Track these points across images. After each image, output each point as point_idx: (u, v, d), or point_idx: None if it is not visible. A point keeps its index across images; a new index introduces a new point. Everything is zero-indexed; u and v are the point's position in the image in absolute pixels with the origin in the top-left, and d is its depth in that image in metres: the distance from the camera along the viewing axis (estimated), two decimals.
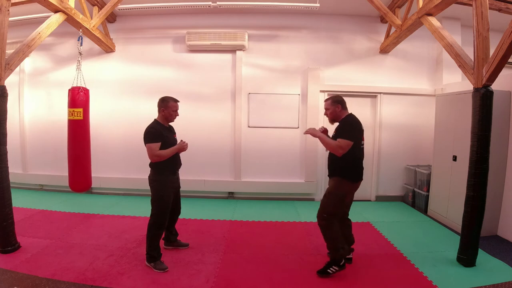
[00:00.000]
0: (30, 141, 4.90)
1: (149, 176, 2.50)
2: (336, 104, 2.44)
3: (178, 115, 2.61)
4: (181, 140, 2.54)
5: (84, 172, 3.46)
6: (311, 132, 2.49)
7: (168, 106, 2.50)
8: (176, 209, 2.73)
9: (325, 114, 2.54)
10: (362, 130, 2.40)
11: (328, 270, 2.36)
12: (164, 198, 2.46)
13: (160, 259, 2.48)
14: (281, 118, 4.62)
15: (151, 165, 2.49)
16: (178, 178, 2.71)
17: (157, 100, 2.54)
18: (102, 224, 3.47)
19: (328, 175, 2.47)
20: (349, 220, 2.67)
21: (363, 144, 2.40)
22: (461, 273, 2.50)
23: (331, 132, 2.55)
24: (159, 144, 2.39)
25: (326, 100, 2.54)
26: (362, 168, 2.43)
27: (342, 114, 2.45)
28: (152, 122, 2.51)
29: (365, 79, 4.61)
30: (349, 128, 2.33)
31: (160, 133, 2.43)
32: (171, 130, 2.67)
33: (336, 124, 2.50)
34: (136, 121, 4.69)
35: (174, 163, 2.55)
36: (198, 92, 4.63)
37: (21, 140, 4.85)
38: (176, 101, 2.57)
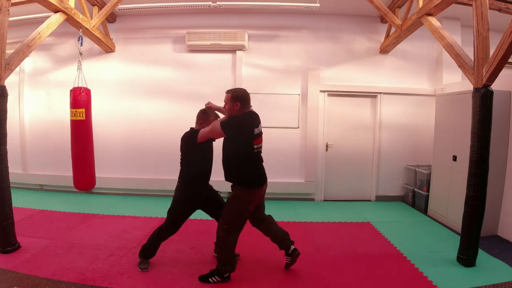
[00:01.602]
0: (30, 141, 4.89)
1: (177, 187, 2.42)
2: (234, 101, 2.12)
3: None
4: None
5: (88, 171, 3.49)
6: (207, 105, 2.40)
7: (208, 121, 2.33)
8: (217, 210, 2.47)
9: (224, 107, 2.25)
10: (250, 132, 2.11)
11: (210, 279, 2.26)
12: (181, 210, 2.38)
13: (149, 259, 2.48)
14: (281, 118, 4.62)
15: (182, 174, 2.39)
16: (212, 190, 2.58)
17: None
18: (102, 224, 3.47)
19: (231, 186, 2.25)
20: (268, 216, 2.53)
21: (257, 148, 2.17)
22: (461, 273, 2.50)
23: None
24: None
25: (227, 92, 2.20)
26: (260, 172, 2.24)
27: (239, 114, 2.15)
28: (190, 130, 2.37)
29: (365, 79, 4.61)
30: (231, 122, 2.09)
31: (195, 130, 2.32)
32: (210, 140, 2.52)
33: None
34: (136, 121, 4.70)
35: (207, 170, 2.44)
36: (198, 92, 4.62)
37: (21, 140, 4.85)
38: (217, 116, 2.41)
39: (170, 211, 2.43)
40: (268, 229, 2.49)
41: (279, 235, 2.46)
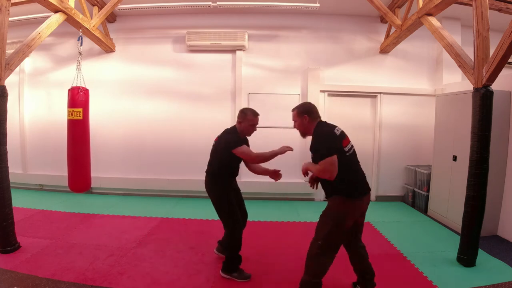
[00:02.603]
0: (30, 141, 4.90)
1: (207, 185, 2.44)
2: (302, 116, 2.04)
3: (255, 130, 2.48)
4: (286, 146, 2.36)
5: (84, 172, 3.46)
6: (304, 170, 2.04)
7: (246, 119, 2.37)
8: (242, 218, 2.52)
9: (294, 126, 2.16)
10: (338, 136, 1.92)
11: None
12: (230, 201, 2.37)
13: (239, 265, 2.37)
14: (281, 118, 4.61)
15: (211, 172, 2.42)
16: (237, 188, 2.65)
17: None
18: (102, 224, 3.47)
19: (326, 197, 2.03)
20: (362, 248, 2.18)
21: (349, 150, 1.94)
22: (461, 273, 2.50)
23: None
24: (247, 147, 2.32)
25: (292, 110, 2.14)
26: (362, 176, 2.00)
27: (312, 126, 2.03)
28: (232, 129, 2.44)
29: (365, 79, 4.61)
30: (322, 143, 1.89)
31: (241, 138, 2.37)
32: (246, 142, 2.52)
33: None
34: (136, 121, 4.70)
35: (235, 172, 2.50)
36: (198, 92, 4.63)
37: (21, 140, 4.85)
38: (255, 114, 2.42)
39: (222, 217, 2.39)
40: (359, 259, 2.19)
41: (368, 270, 2.20)
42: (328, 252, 1.90)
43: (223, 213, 2.36)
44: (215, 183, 2.39)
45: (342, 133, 1.97)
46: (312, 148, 1.98)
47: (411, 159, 4.65)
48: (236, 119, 2.45)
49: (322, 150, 1.86)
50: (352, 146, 1.99)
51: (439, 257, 2.77)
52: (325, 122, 2.07)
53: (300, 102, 4.49)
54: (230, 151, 2.27)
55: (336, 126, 2.00)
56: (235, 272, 2.34)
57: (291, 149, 2.33)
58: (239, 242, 2.35)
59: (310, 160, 2.04)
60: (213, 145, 2.46)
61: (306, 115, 2.04)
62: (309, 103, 2.18)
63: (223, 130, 2.47)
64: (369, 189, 2.01)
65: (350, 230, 1.95)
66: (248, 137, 2.56)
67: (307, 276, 1.95)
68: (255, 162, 2.34)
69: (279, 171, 2.51)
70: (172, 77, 4.66)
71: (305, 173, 2.05)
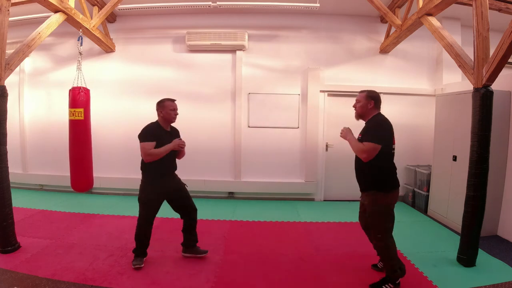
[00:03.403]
0: (30, 141, 4.90)
1: (141, 180, 2.51)
2: (369, 100, 2.18)
3: (177, 114, 2.53)
4: (178, 138, 2.49)
5: (86, 172, 3.47)
6: (343, 134, 2.36)
7: (164, 106, 2.45)
8: (187, 212, 2.62)
9: (354, 106, 2.29)
10: (393, 133, 2.16)
11: (383, 287, 2.17)
12: (149, 202, 2.44)
13: (141, 256, 2.50)
14: (281, 118, 4.62)
15: (141, 168, 2.48)
16: (172, 180, 2.60)
17: (157, 100, 2.51)
18: (102, 224, 3.47)
19: (360, 190, 2.29)
20: None
21: (394, 149, 2.17)
22: (461, 273, 2.50)
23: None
24: (153, 143, 2.33)
25: (361, 92, 2.26)
26: (395, 174, 2.19)
27: (372, 113, 2.20)
28: (152, 122, 2.49)
29: (365, 79, 4.61)
30: (378, 130, 2.10)
31: (155, 133, 2.39)
32: (174, 135, 2.57)
33: (361, 122, 2.31)
34: (136, 121, 4.66)
35: (163, 166, 2.45)
36: (198, 92, 4.63)
37: (21, 140, 4.85)
38: (172, 100, 2.50)
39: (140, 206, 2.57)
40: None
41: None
42: (389, 239, 2.15)
43: (140, 211, 2.51)
44: (143, 184, 2.49)
45: (393, 134, 2.16)
46: (365, 130, 2.19)
47: (411, 159, 4.65)
48: (156, 114, 2.50)
49: (375, 136, 2.05)
50: (395, 147, 2.19)
51: (439, 257, 2.77)
52: (385, 117, 2.21)
53: (302, 103, 4.57)
54: (155, 139, 2.37)
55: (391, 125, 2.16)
56: (137, 257, 2.49)
57: (183, 144, 2.45)
58: (139, 240, 2.49)
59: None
60: None
61: (372, 101, 2.18)
62: (378, 93, 2.25)
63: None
64: (399, 184, 2.21)
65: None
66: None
67: (387, 262, 2.16)
68: (148, 159, 2.34)
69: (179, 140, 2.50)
70: (172, 77, 4.66)
71: (342, 136, 2.36)
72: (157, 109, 2.49)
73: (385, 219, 2.13)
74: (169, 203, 2.60)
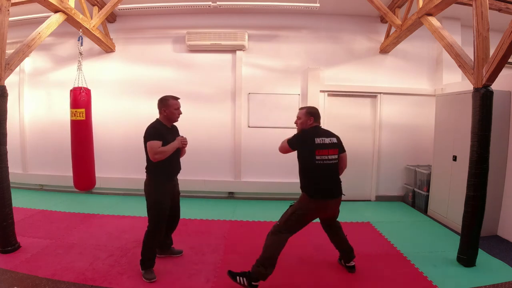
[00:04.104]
0: (30, 141, 4.90)
1: (144, 182, 2.39)
2: (309, 116, 2.31)
3: (181, 113, 2.44)
4: (180, 136, 2.42)
5: (89, 171, 3.48)
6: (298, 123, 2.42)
7: (168, 105, 2.35)
8: (175, 216, 2.58)
9: (296, 122, 2.42)
10: (316, 145, 2.17)
11: (237, 278, 2.18)
12: (161, 205, 2.31)
13: (152, 268, 2.35)
14: (281, 118, 4.61)
15: (147, 169, 2.37)
16: (176, 184, 2.57)
17: (157, 100, 2.38)
18: (102, 224, 3.47)
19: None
20: (336, 226, 2.47)
21: (321, 160, 2.17)
22: (461, 273, 2.50)
23: None
24: (160, 142, 2.25)
25: (301, 109, 2.41)
26: (320, 185, 2.18)
27: (309, 126, 2.32)
28: (154, 121, 2.39)
29: (365, 79, 4.61)
30: (297, 135, 2.29)
31: (160, 132, 2.30)
32: (174, 132, 2.50)
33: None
34: (136, 121, 4.69)
35: (171, 166, 2.40)
36: (198, 92, 4.63)
37: (21, 140, 4.85)
38: (176, 98, 2.41)
39: (148, 214, 2.37)
40: (336, 239, 2.48)
41: (343, 247, 2.47)
42: (283, 234, 2.20)
43: (151, 215, 2.33)
44: (153, 185, 2.34)
45: (324, 145, 2.20)
46: (299, 132, 2.34)
47: (411, 159, 4.65)
48: (158, 111, 2.40)
49: (292, 138, 2.26)
50: (326, 158, 2.20)
51: (439, 257, 2.77)
52: (320, 129, 2.33)
53: (302, 103, 4.57)
54: (160, 139, 2.27)
55: (326, 138, 2.24)
56: (145, 270, 2.33)
57: (186, 141, 2.42)
58: (152, 247, 2.35)
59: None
60: None
61: (312, 117, 2.31)
62: (317, 109, 2.40)
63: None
64: (334, 196, 2.24)
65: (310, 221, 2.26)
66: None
67: (262, 253, 2.19)
68: (157, 158, 2.24)
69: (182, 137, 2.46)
70: (172, 77, 4.66)
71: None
72: (160, 107, 2.38)
73: (293, 214, 2.19)
74: None
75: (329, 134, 2.31)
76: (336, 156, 2.25)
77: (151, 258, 2.34)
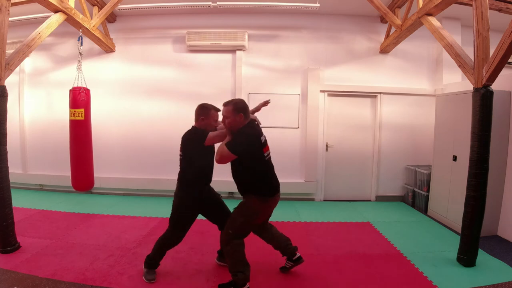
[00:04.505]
0: (30, 141, 4.90)
1: (176, 190, 2.31)
2: (237, 113, 2.03)
3: (217, 126, 2.33)
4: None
5: (87, 172, 3.47)
6: (225, 124, 2.12)
7: (209, 115, 2.24)
8: (221, 220, 2.41)
9: (223, 121, 2.11)
10: (259, 142, 2.07)
11: None
12: (184, 210, 2.26)
13: (155, 269, 2.34)
14: (281, 118, 4.62)
15: (180, 177, 2.29)
16: (211, 191, 2.48)
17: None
18: (102, 224, 3.47)
19: (241, 194, 2.25)
20: (271, 227, 2.47)
21: (267, 155, 2.14)
22: (461, 273, 2.50)
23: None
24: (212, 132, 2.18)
25: (225, 105, 2.08)
26: (272, 181, 2.18)
27: (242, 125, 2.06)
28: (192, 129, 2.29)
29: (365, 79, 4.61)
30: (239, 139, 1.99)
31: (204, 131, 2.21)
32: None
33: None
34: (136, 121, 4.70)
35: (206, 178, 2.35)
36: (198, 92, 4.62)
37: (21, 140, 4.85)
38: (217, 110, 2.28)
39: (171, 219, 2.30)
40: (271, 237, 2.44)
41: (282, 242, 2.42)
42: (236, 240, 2.11)
43: (172, 218, 2.30)
44: (181, 191, 2.27)
45: (265, 142, 2.14)
46: (228, 142, 2.02)
47: (411, 159, 4.65)
48: (195, 116, 2.29)
49: (234, 144, 1.97)
50: (269, 153, 2.18)
51: (439, 257, 2.77)
52: (253, 125, 2.14)
53: (302, 103, 4.56)
54: (202, 146, 2.17)
55: (262, 134, 2.14)
56: (148, 269, 2.32)
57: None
58: (164, 250, 2.33)
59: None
60: (180, 155, 2.31)
61: (241, 113, 2.04)
62: (243, 100, 2.15)
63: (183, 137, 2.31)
64: (278, 190, 2.23)
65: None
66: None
67: (229, 260, 2.13)
68: (226, 154, 2.03)
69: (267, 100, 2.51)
70: (172, 77, 4.66)
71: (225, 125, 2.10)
72: (199, 114, 2.25)
73: (244, 221, 2.09)
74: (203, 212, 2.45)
75: (260, 128, 2.22)
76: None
77: (158, 260, 2.34)
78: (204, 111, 2.25)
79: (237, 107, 2.04)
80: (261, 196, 2.10)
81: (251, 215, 2.11)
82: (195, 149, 2.21)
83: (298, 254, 2.42)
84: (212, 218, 2.48)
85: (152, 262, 2.33)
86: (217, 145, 2.17)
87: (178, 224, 2.29)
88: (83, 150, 3.40)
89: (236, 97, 4.57)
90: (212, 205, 2.43)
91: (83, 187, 3.46)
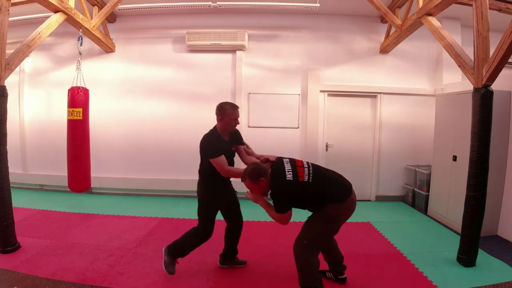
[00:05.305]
0: (30, 141, 4.90)
1: (197, 183, 2.33)
2: (257, 180, 1.91)
3: (238, 123, 2.28)
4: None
5: (83, 172, 3.46)
6: (252, 199, 2.08)
7: (225, 114, 2.19)
8: (234, 224, 2.46)
9: (250, 196, 2.08)
10: (293, 181, 1.87)
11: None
12: (212, 206, 2.29)
13: (177, 258, 2.33)
14: (281, 118, 4.62)
15: (201, 172, 2.31)
16: (231, 189, 2.49)
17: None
18: (102, 224, 3.47)
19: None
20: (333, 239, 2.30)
21: (308, 174, 1.91)
22: (461, 273, 2.50)
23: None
24: (223, 157, 2.14)
25: (243, 180, 1.99)
26: (338, 183, 1.99)
27: (268, 187, 1.95)
28: (212, 130, 2.28)
29: (365, 79, 4.61)
30: (279, 197, 1.89)
31: (220, 146, 2.17)
32: (233, 141, 2.34)
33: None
34: (136, 121, 4.70)
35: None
36: (198, 92, 4.63)
37: (21, 140, 4.85)
38: (235, 107, 2.23)
39: (199, 213, 2.32)
40: (329, 249, 2.27)
41: (337, 258, 2.29)
42: (313, 251, 1.95)
43: (200, 215, 2.32)
44: (207, 186, 2.28)
45: (294, 171, 1.90)
46: (272, 196, 1.92)
47: (411, 159, 4.65)
48: (216, 116, 2.26)
49: (280, 203, 1.88)
50: (308, 166, 1.97)
51: (439, 257, 2.77)
52: (277, 168, 1.96)
53: (302, 103, 4.54)
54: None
55: (286, 169, 1.92)
56: (169, 257, 2.29)
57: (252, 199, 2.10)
58: (192, 246, 2.31)
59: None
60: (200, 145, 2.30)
61: (261, 178, 1.92)
62: (254, 165, 2.00)
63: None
64: (349, 192, 1.96)
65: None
66: (244, 136, 2.47)
67: (302, 275, 1.95)
68: (225, 175, 2.18)
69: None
70: (172, 77, 4.66)
71: (253, 200, 2.04)
72: (217, 115, 2.24)
73: (322, 229, 1.93)
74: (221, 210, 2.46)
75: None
76: None
77: (184, 250, 2.32)
78: (221, 111, 2.21)
79: (252, 176, 1.93)
80: (335, 203, 1.88)
81: (331, 222, 1.90)
82: (206, 155, 2.20)
83: (345, 275, 2.31)
84: (226, 216, 2.49)
85: (177, 251, 2.29)
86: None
87: (201, 216, 2.30)
88: (80, 150, 3.39)
89: (237, 97, 4.57)
90: (230, 202, 2.44)
91: (79, 188, 3.45)
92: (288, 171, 1.91)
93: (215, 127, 2.30)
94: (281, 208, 1.88)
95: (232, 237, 2.49)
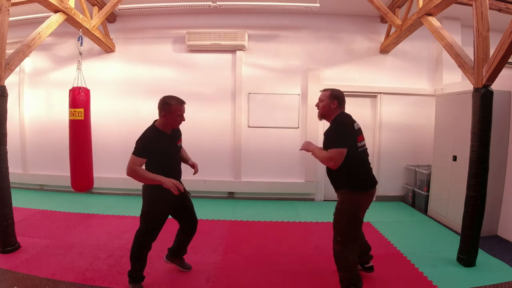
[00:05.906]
0: (30, 141, 4.90)
1: (142, 186, 2.17)
2: (332, 100, 2.05)
3: (184, 120, 2.12)
4: (177, 181, 2.01)
5: (86, 172, 3.47)
6: (305, 147, 2.16)
7: (171, 111, 2.01)
8: (187, 223, 2.35)
9: (317, 105, 2.14)
10: (356, 131, 2.01)
11: None
12: (155, 215, 2.13)
13: (140, 283, 2.13)
14: (281, 118, 4.62)
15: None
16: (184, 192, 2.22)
17: (157, 100, 2.09)
18: (102, 224, 3.47)
19: (335, 190, 2.16)
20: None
21: (362, 146, 2.03)
22: (461, 273, 2.50)
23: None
24: (144, 160, 2.01)
25: (324, 90, 2.13)
26: (369, 172, 2.12)
27: (335, 112, 2.06)
28: (150, 127, 2.12)
29: (365, 79, 4.61)
30: (339, 133, 1.95)
31: (150, 147, 2.02)
32: (173, 137, 2.20)
33: (325, 122, 2.15)
34: (136, 121, 4.69)
35: (173, 174, 2.14)
36: (198, 92, 4.63)
37: (21, 140, 4.85)
38: (181, 103, 2.06)
39: (141, 216, 2.18)
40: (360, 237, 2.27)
41: (362, 246, 2.32)
42: (349, 245, 1.98)
43: (144, 217, 2.17)
44: (147, 191, 2.17)
45: (359, 129, 2.06)
46: (327, 134, 2.03)
47: (411, 159, 4.65)
48: (158, 112, 2.07)
49: (338, 139, 1.92)
50: (364, 144, 2.08)
51: (439, 257, 2.77)
52: (348, 114, 2.11)
53: (302, 103, 4.56)
54: (158, 148, 2.06)
55: (356, 121, 2.07)
56: (132, 284, 2.10)
57: (180, 188, 1.97)
58: (140, 259, 2.11)
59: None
60: None
61: (336, 101, 2.06)
62: (342, 92, 2.15)
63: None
64: (376, 183, 2.14)
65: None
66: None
67: (342, 273, 1.99)
68: (128, 174, 2.05)
69: (197, 165, 2.36)
70: (172, 77, 4.66)
71: (304, 149, 2.16)
72: (161, 110, 2.04)
73: (349, 220, 1.96)
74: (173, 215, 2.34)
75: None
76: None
77: (139, 269, 2.12)
78: (165, 107, 2.01)
79: (334, 93, 2.08)
80: (355, 190, 1.98)
81: (354, 211, 1.96)
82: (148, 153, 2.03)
83: (371, 263, 2.38)
84: (179, 218, 2.38)
85: (134, 275, 2.13)
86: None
87: (146, 225, 2.16)
88: (82, 150, 3.40)
89: (237, 97, 4.58)
90: (181, 206, 2.32)
91: (82, 187, 3.46)
92: (356, 124, 2.05)
93: (153, 124, 2.11)
94: (341, 141, 1.91)
95: (185, 236, 2.37)
